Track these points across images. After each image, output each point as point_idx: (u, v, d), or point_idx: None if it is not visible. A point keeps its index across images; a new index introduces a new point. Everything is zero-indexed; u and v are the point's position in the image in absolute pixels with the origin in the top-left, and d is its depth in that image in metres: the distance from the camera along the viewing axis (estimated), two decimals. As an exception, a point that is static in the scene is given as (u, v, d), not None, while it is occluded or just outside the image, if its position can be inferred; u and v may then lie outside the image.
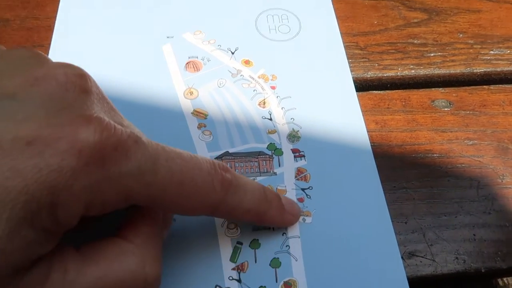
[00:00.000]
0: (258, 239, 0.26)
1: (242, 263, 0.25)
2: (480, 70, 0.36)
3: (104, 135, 0.16)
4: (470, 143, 0.32)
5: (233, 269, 0.25)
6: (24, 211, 0.15)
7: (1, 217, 0.14)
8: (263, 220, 0.25)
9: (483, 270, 0.26)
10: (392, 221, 0.27)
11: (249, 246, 0.26)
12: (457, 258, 0.27)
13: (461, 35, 0.38)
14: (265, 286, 0.24)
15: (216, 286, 0.24)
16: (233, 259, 0.25)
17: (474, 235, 0.28)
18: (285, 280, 0.25)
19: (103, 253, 0.19)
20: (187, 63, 0.33)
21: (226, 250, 0.25)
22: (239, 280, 0.25)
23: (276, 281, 0.25)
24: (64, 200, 0.16)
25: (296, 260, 0.25)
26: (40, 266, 0.17)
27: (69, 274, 0.17)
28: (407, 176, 0.30)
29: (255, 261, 0.25)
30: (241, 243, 0.26)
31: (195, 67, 0.33)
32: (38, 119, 0.16)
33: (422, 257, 0.27)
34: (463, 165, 0.30)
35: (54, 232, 0.17)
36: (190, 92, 0.32)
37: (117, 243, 0.20)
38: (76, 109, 0.17)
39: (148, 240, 0.20)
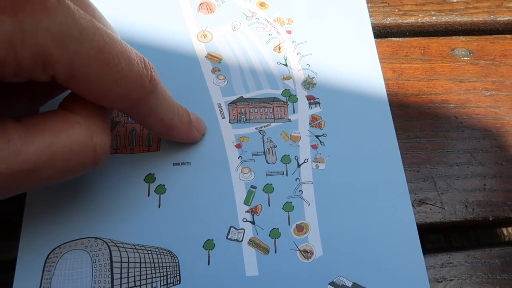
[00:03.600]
0: (271, 184, 0.26)
1: (256, 206, 0.26)
2: (504, 19, 0.35)
3: None
4: (488, 93, 0.31)
5: (247, 211, 0.26)
6: None
7: None
8: (171, 134, 0.25)
9: (490, 219, 0.27)
10: (404, 169, 0.27)
11: (263, 190, 0.26)
12: (466, 206, 0.27)
13: (487, -20, 0.36)
14: (278, 228, 0.25)
15: (231, 227, 0.25)
16: (247, 202, 0.26)
17: (485, 185, 0.28)
18: (297, 223, 0.25)
19: (47, 124, 0.19)
20: (200, 4, 0.32)
21: (240, 193, 0.26)
22: (252, 222, 0.25)
23: (289, 224, 0.25)
24: None
25: (309, 205, 0.26)
26: None
27: (13, 142, 0.17)
28: (422, 125, 0.29)
29: (269, 205, 0.26)
30: (255, 187, 0.26)
31: (208, 8, 0.32)
32: None
33: (432, 204, 0.27)
34: (478, 116, 0.30)
35: None
36: (203, 35, 0.31)
37: (62, 114, 0.19)
38: None
39: (94, 112, 0.20)
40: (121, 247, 0.24)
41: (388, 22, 0.34)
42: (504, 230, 0.29)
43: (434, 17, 0.34)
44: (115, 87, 0.19)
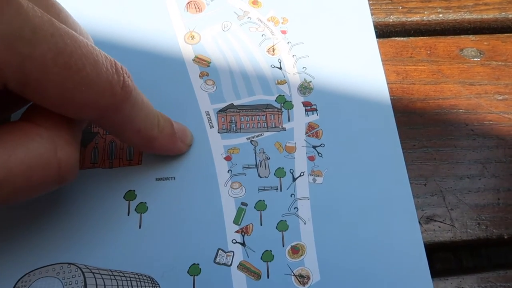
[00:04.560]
0: (264, 200, 0.24)
1: (247, 225, 0.23)
2: (516, 15, 0.32)
3: None
4: (500, 98, 0.29)
5: (237, 231, 0.23)
6: None
7: None
8: (151, 147, 0.22)
9: (505, 237, 0.25)
10: (410, 183, 0.25)
11: (255, 207, 0.24)
12: (478, 223, 0.25)
13: (497, -26, 0.34)
14: (271, 250, 0.23)
15: (219, 249, 0.23)
16: (237, 221, 0.23)
17: (499, 199, 0.25)
18: (292, 244, 0.23)
19: (3, 138, 0.16)
20: (188, 2, 0.30)
21: (229, 211, 0.24)
22: (243, 244, 0.23)
23: (283, 245, 0.23)
24: None
25: (305, 223, 0.24)
26: None
27: None
28: (429, 134, 0.27)
29: (261, 224, 0.23)
30: (246, 204, 0.24)
31: (197, 7, 0.30)
32: None
33: (441, 222, 0.25)
34: (491, 122, 0.28)
35: None
36: (191, 36, 0.29)
37: (21, 126, 0.17)
38: None
39: (60, 122, 0.18)
40: (96, 273, 0.22)
41: (391, 20, 0.31)
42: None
43: (441, 15, 0.32)
44: (79, 95, 0.17)
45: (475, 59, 0.30)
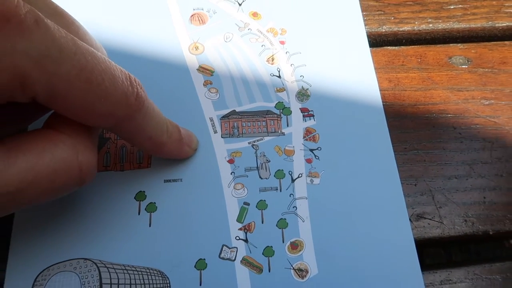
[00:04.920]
0: (265, 200, 0.26)
1: (249, 223, 0.25)
2: (503, 25, 0.34)
3: None
4: (487, 102, 0.30)
5: (240, 229, 0.25)
6: None
7: None
8: (160, 152, 0.24)
9: (491, 233, 0.26)
10: (401, 183, 0.27)
11: (256, 206, 0.26)
12: (465, 220, 0.26)
13: (484, -15, 0.35)
14: (271, 246, 0.25)
15: (223, 245, 0.24)
16: (240, 219, 0.25)
17: (484, 197, 0.27)
18: (292, 240, 0.25)
19: (30, 144, 0.18)
20: (192, 15, 0.32)
21: (233, 210, 0.25)
22: (246, 240, 0.25)
23: (283, 242, 0.25)
24: None
25: (303, 221, 0.25)
26: None
27: None
28: (419, 137, 0.29)
29: (262, 222, 0.25)
30: (248, 204, 0.26)
31: (200, 19, 0.32)
32: None
33: (430, 219, 0.26)
34: (477, 126, 0.29)
35: None
36: (195, 47, 0.30)
37: (45, 133, 0.19)
38: None
39: (80, 129, 0.20)
40: (110, 268, 0.23)
41: (383, 30, 0.33)
42: (506, 243, 0.28)
43: (431, 25, 0.34)
44: (99, 106, 0.19)
45: (463, 66, 0.32)
